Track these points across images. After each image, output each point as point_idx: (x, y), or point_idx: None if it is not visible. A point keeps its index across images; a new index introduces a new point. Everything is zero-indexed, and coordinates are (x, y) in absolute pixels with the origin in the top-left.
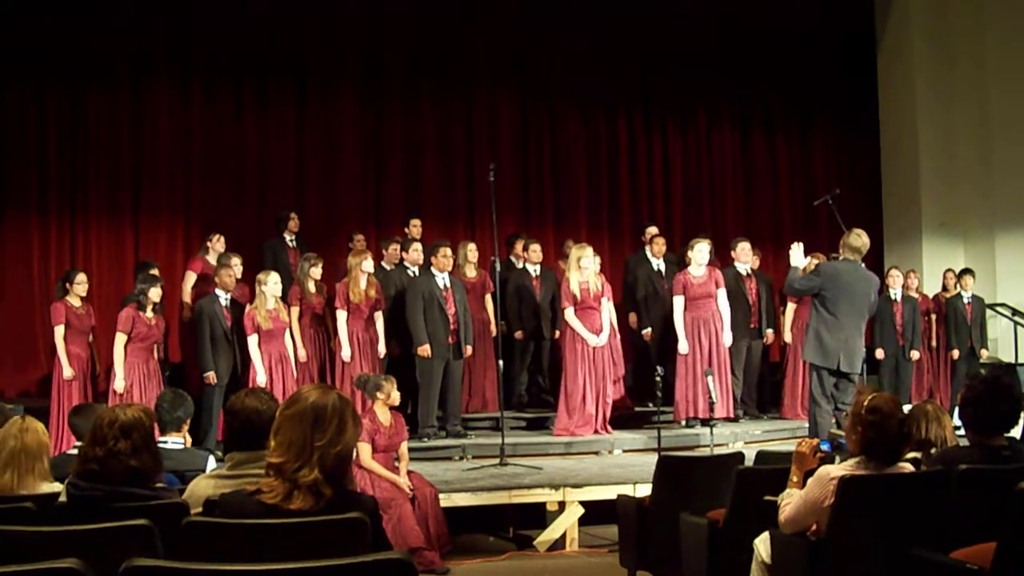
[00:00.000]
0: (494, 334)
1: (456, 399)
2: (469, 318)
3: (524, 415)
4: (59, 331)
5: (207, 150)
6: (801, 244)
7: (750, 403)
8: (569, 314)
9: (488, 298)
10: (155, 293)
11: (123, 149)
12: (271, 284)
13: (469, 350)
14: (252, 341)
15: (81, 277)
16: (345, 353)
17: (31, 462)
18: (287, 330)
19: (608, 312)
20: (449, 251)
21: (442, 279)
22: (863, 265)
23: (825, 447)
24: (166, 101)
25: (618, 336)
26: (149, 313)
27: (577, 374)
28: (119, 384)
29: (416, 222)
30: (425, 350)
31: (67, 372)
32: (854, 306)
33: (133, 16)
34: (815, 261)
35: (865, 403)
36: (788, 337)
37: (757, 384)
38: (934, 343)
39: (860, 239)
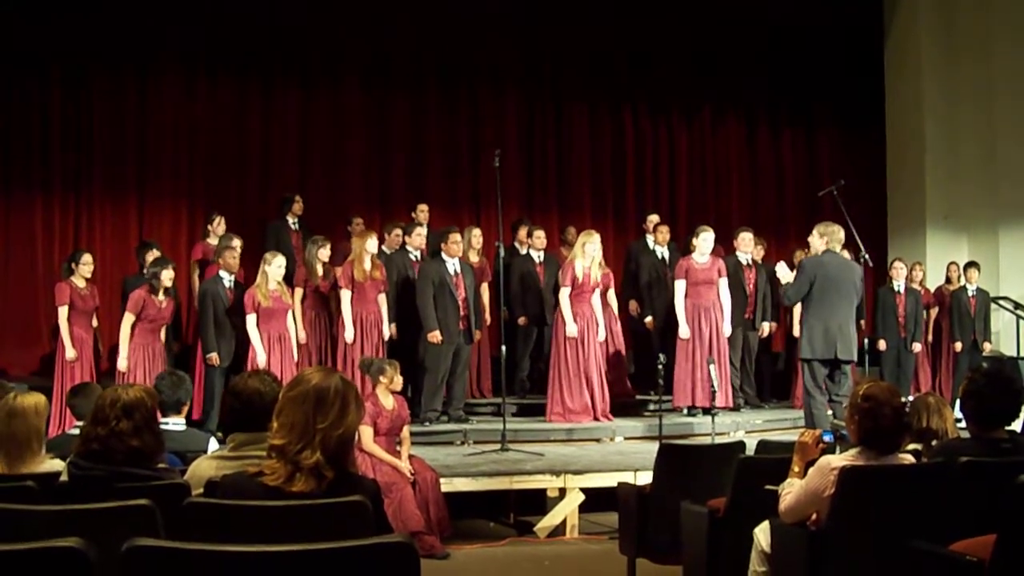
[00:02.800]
0: (488, 322)
1: (463, 384)
2: (480, 303)
3: (526, 401)
4: (63, 312)
5: (211, 134)
6: (784, 262)
7: (750, 392)
8: (564, 295)
9: (485, 285)
10: (167, 276)
11: (127, 132)
12: (275, 266)
13: (479, 335)
14: (251, 320)
15: (87, 258)
16: (348, 334)
17: (20, 450)
18: (288, 311)
19: (610, 304)
20: (459, 236)
21: (452, 264)
22: (844, 254)
23: (827, 437)
24: (171, 85)
25: (618, 322)
26: (161, 296)
27: (567, 358)
28: (122, 363)
29: (423, 207)
30: (435, 335)
31: (70, 353)
32: (841, 294)
33: (139, 1)
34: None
35: (861, 392)
36: (797, 330)
37: (756, 373)
38: (930, 337)
39: (840, 231)
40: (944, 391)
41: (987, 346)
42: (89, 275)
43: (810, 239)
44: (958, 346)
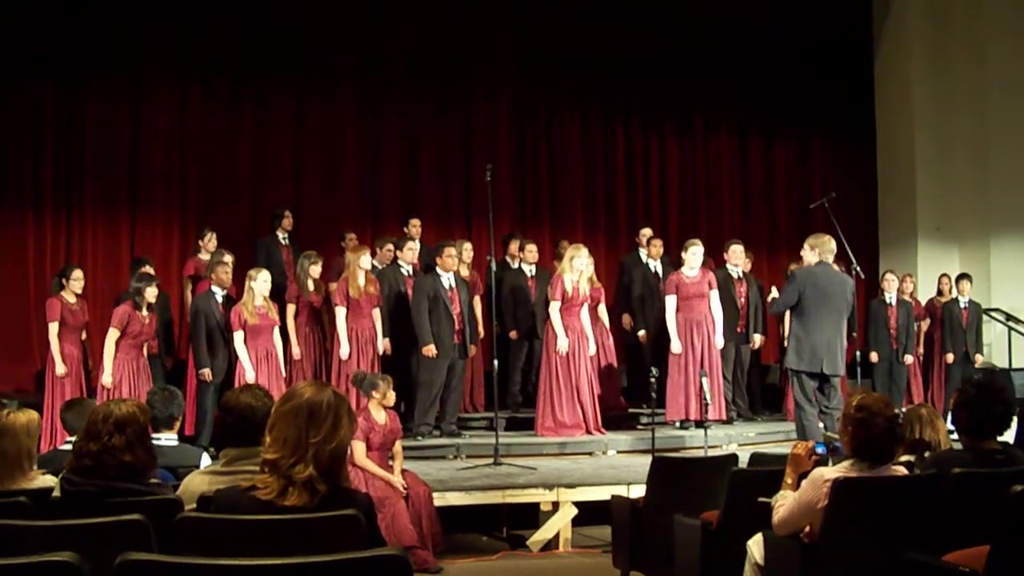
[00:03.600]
0: (482, 335)
1: (457, 399)
2: (474, 318)
3: (518, 415)
4: (53, 328)
5: (204, 148)
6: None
7: (743, 405)
8: (554, 308)
9: (477, 299)
10: (151, 293)
11: (120, 146)
12: (260, 282)
13: (474, 350)
14: (238, 337)
15: (77, 273)
16: (343, 351)
17: (9, 469)
18: (275, 327)
19: (602, 318)
20: (454, 251)
21: (447, 279)
22: (834, 266)
23: (820, 449)
24: (163, 99)
25: (610, 337)
26: (144, 312)
27: (558, 372)
28: (107, 379)
29: (416, 222)
30: (430, 350)
31: (60, 369)
32: (832, 307)
33: (131, 13)
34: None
35: (854, 402)
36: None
37: (747, 386)
38: (921, 349)
39: (831, 242)
40: (936, 403)
41: (979, 358)
42: (80, 290)
43: (803, 252)
44: (949, 357)
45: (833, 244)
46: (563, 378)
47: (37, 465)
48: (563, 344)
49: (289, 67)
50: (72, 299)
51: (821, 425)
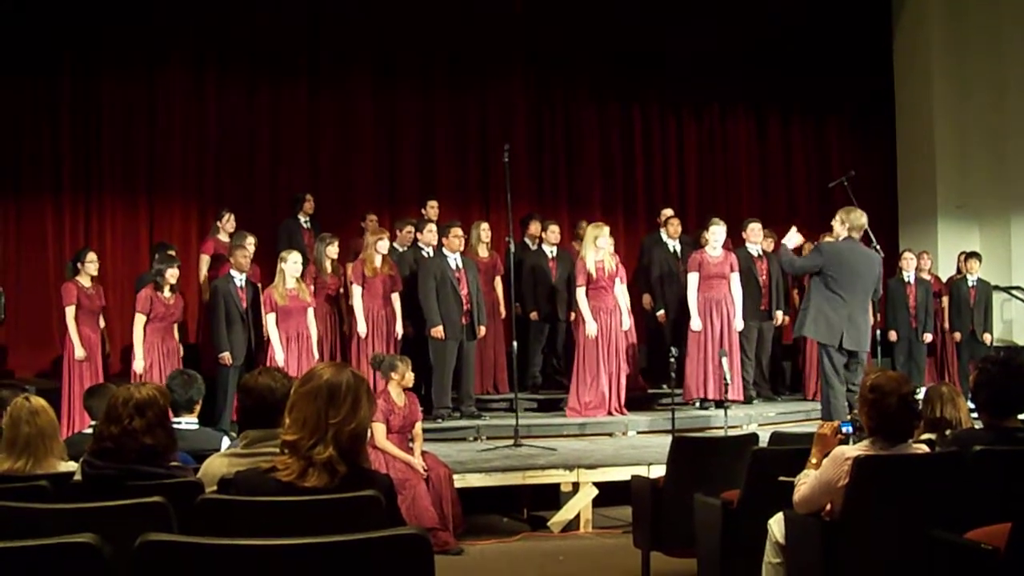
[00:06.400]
0: (503, 315)
1: (470, 380)
2: (482, 299)
3: (538, 396)
4: (70, 312)
5: (221, 132)
6: (794, 228)
7: (763, 385)
8: (581, 294)
9: (498, 279)
10: (172, 274)
11: (137, 132)
12: (291, 264)
13: (483, 331)
14: (270, 320)
15: (92, 256)
16: (361, 328)
17: (50, 443)
18: (307, 309)
19: (624, 295)
20: (460, 231)
21: (454, 259)
22: (862, 244)
23: (846, 428)
24: (180, 84)
25: (632, 318)
26: (167, 293)
27: (589, 355)
28: (138, 364)
29: (433, 203)
30: (438, 331)
31: (79, 352)
32: (858, 284)
33: None
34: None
35: (868, 383)
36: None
37: (770, 366)
38: (946, 325)
39: (862, 217)
40: (954, 381)
41: (987, 337)
42: (95, 273)
43: (833, 222)
44: (957, 336)
45: (864, 219)
46: (594, 360)
47: None
48: (592, 329)
49: (304, 51)
50: (88, 283)
51: (847, 404)
